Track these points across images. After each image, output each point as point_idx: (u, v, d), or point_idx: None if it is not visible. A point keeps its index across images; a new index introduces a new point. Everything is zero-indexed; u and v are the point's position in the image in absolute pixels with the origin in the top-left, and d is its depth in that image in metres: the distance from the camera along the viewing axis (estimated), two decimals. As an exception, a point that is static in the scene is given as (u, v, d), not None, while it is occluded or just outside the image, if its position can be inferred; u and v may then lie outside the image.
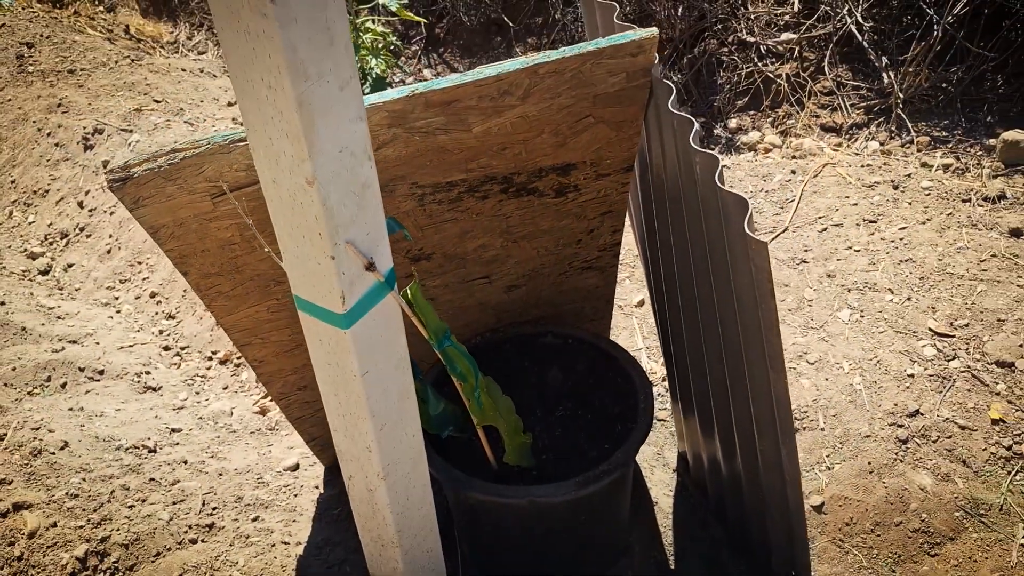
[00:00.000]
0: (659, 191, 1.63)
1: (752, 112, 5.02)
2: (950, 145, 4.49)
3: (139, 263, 3.52)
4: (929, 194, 3.20)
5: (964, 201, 3.11)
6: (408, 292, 1.35)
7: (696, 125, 1.21)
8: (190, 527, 2.12)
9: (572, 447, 1.90)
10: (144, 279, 3.45)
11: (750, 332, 1.27)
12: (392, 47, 4.61)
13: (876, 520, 2.14)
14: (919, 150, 4.47)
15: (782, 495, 1.48)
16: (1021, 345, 2.47)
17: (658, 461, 2.38)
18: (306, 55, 0.97)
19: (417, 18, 4.07)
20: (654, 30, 1.35)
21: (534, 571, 1.95)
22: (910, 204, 3.13)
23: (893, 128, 4.71)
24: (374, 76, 3.56)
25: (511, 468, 1.82)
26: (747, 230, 1.05)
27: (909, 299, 2.70)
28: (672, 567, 2.10)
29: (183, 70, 5.10)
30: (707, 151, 1.16)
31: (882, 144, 4.56)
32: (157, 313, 3.30)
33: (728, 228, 1.15)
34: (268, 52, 0.95)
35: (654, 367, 2.69)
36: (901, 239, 2.93)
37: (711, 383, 1.74)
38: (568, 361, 2.06)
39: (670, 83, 1.34)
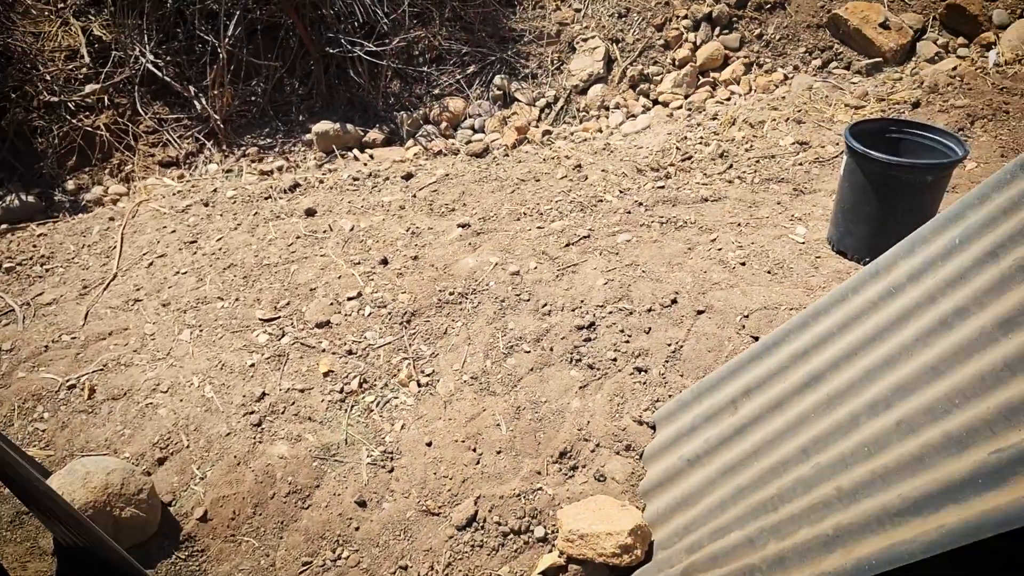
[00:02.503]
0: None
1: (87, 168, 4.91)
2: (277, 149, 4.96)
3: None
4: (235, 202, 3.51)
5: (266, 199, 3.48)
6: None
7: None
8: None
9: None
10: None
11: None
12: None
13: (254, 503, 2.34)
14: (252, 160, 4.84)
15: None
16: (331, 304, 2.89)
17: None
18: None
19: None
20: None
21: None
22: (222, 216, 3.40)
23: (224, 147, 5.02)
24: None
25: None
26: None
27: (238, 300, 2.95)
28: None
29: None
30: None
31: (220, 164, 4.84)
32: None
33: None
34: None
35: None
36: (221, 249, 3.18)
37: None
38: None
39: None
